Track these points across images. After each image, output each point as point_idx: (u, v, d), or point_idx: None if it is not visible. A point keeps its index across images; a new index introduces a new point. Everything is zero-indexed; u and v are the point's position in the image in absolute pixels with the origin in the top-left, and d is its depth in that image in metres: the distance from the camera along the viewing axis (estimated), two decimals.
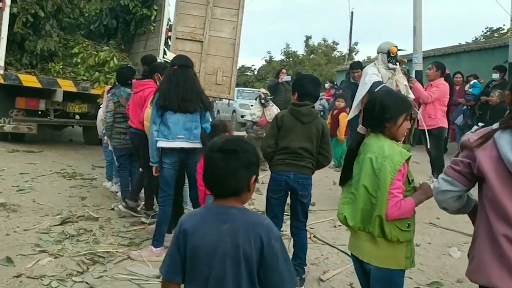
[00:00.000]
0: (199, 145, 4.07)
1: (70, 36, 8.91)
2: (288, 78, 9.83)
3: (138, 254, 4.04)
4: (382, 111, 2.36)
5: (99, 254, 4.05)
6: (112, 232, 4.63)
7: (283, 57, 36.42)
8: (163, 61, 8.00)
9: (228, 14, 8.59)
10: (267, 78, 28.81)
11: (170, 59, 7.09)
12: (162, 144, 3.99)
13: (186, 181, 4.41)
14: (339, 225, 4.96)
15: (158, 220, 4.13)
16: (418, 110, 6.69)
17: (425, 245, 4.58)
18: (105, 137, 6.24)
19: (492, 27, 29.49)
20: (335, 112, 8.46)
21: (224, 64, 8.61)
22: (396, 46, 5.69)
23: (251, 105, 12.00)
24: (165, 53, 8.62)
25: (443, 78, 6.50)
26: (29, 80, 7.66)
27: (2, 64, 7.39)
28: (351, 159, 2.47)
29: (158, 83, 4.96)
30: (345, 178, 2.49)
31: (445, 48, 14.26)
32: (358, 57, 32.04)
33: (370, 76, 5.59)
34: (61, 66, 8.15)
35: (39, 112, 8.40)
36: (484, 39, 28.36)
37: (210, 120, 4.25)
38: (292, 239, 3.89)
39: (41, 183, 6.34)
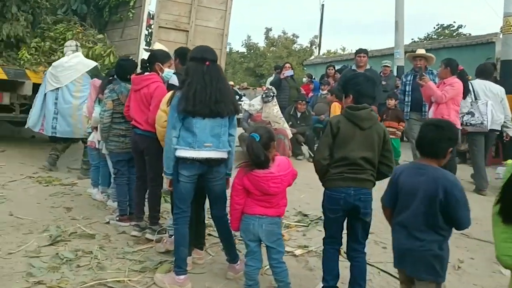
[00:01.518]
0: (226, 155, 3.46)
1: (62, 19, 7.98)
2: (291, 73, 9.26)
3: (161, 279, 3.42)
4: None
5: (110, 285, 3.37)
6: (116, 254, 3.94)
7: (244, 49, 35.80)
8: (144, 52, 7.27)
9: (215, 2, 7.89)
10: (226, 70, 28.09)
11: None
12: (185, 153, 3.34)
13: None
14: (379, 241, 4.50)
15: (175, 242, 3.48)
16: (429, 110, 6.34)
17: (469, 261, 4.19)
18: (90, 138, 5.48)
19: (443, 24, 30.26)
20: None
21: None
22: None
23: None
24: (148, 43, 7.86)
25: (455, 76, 6.15)
26: None
27: None
28: None
29: (161, 74, 4.34)
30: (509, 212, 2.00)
31: (423, 43, 14.15)
32: (320, 51, 31.91)
33: None
34: (30, 54, 7.16)
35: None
36: (436, 36, 29.18)
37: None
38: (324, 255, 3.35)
39: (14, 190, 5.49)
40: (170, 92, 3.72)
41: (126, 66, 4.76)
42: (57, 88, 6.53)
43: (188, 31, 7.79)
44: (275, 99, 7.61)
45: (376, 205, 3.07)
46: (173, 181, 3.43)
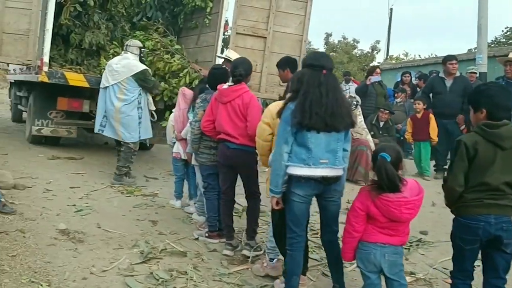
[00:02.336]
0: (341, 172, 3.15)
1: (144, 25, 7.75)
2: (378, 78, 8.81)
3: None
4: None
5: None
6: (211, 275, 3.71)
7: None
8: (221, 59, 7.06)
9: (294, 7, 7.60)
10: None
11: (232, 57, 6.22)
12: (299, 171, 3.05)
13: None
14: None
15: (288, 270, 3.19)
16: None
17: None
18: (175, 149, 5.32)
19: None
20: (418, 115, 7.65)
21: None
22: None
23: None
24: (222, 51, 7.67)
25: None
26: (75, 78, 6.70)
27: (47, 60, 6.43)
28: None
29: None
30: None
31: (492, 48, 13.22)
32: (380, 56, 31.10)
33: None
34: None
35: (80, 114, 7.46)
36: (504, 40, 27.53)
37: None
38: None
39: (97, 200, 5.41)
40: (278, 103, 3.46)
41: (217, 74, 4.54)
42: (107, 87, 6.23)
43: (265, 37, 7.56)
44: (359, 108, 7.19)
45: None
46: (286, 202, 3.15)
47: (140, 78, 6.16)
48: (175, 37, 7.98)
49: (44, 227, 4.35)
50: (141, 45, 6.52)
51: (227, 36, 7.94)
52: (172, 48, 7.38)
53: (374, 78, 8.73)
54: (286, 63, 4.88)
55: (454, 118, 7.74)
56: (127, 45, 6.35)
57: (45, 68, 6.45)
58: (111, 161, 7.51)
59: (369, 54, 33.47)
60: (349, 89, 11.02)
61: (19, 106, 10.00)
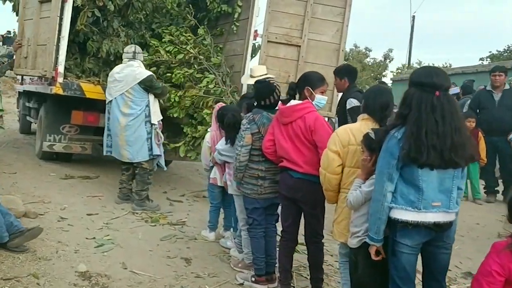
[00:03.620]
0: (454, 217, 2.52)
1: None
2: (457, 90, 8.00)
3: None
4: None
5: None
6: None
7: None
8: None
9: (331, 13, 6.94)
10: None
11: (257, 74, 5.61)
12: (407, 215, 2.48)
13: None
14: None
15: None
16: None
17: None
18: (212, 174, 4.65)
19: None
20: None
21: (325, 74, 6.83)
22: None
23: None
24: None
25: None
26: (93, 90, 6.05)
27: (62, 70, 5.78)
28: None
29: (312, 102, 3.45)
30: None
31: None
32: (393, 65, 30.52)
33: None
34: None
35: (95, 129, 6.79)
36: None
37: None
38: None
39: (119, 231, 4.73)
40: (347, 128, 2.90)
41: (261, 90, 3.86)
42: (110, 101, 5.56)
43: (300, 46, 6.88)
44: None
45: None
46: (390, 254, 2.51)
47: (147, 86, 5.50)
48: (211, 39, 7.08)
49: (61, 270, 3.67)
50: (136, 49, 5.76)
51: (256, 44, 7.26)
52: (208, 62, 6.62)
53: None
54: (345, 72, 4.27)
55: (504, 134, 7.06)
56: (134, 52, 5.63)
57: (60, 79, 5.80)
58: None
59: (381, 63, 32.91)
60: None
61: (27, 118, 9.36)
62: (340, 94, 5.61)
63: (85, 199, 5.69)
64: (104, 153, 5.85)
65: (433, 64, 32.23)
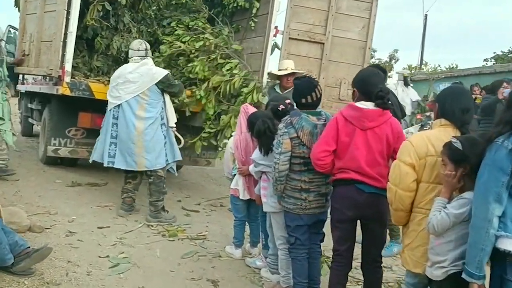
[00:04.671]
0: None
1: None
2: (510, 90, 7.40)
3: None
4: None
5: None
6: None
7: None
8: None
9: (357, 9, 6.47)
10: None
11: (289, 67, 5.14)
12: None
13: None
14: None
15: None
16: None
17: None
18: (233, 185, 4.17)
19: None
20: None
21: (350, 74, 6.33)
22: None
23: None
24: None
25: None
26: (102, 91, 5.52)
27: (69, 69, 5.29)
28: None
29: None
30: None
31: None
32: (398, 65, 30.09)
33: None
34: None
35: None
36: None
37: None
38: None
39: (135, 248, 4.24)
40: (423, 134, 2.45)
41: (301, 86, 3.38)
42: (118, 105, 4.99)
43: (323, 43, 6.43)
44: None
45: None
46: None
47: (165, 86, 5.04)
48: (230, 31, 6.58)
49: None
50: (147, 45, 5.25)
51: (274, 42, 6.77)
52: (230, 49, 6.10)
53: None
54: None
55: None
56: (146, 49, 5.12)
57: (67, 79, 5.31)
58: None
59: (387, 64, 32.45)
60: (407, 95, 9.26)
61: (30, 119, 8.88)
62: None
63: (94, 209, 5.21)
64: (106, 164, 5.13)
65: (439, 65, 31.90)
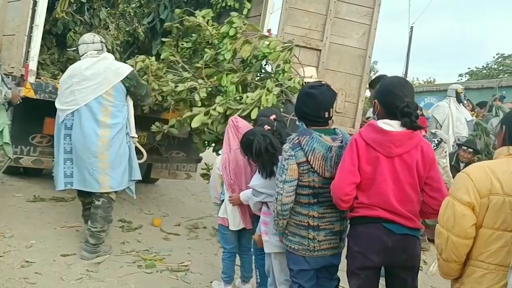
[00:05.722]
0: None
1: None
2: None
3: None
4: None
5: None
6: None
7: None
8: None
9: (357, 14, 5.95)
10: None
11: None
12: None
13: None
14: None
15: None
16: None
17: None
18: (221, 213, 3.54)
19: (504, 54, 27.93)
20: None
21: (348, 84, 5.95)
22: None
23: None
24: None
25: None
26: None
27: (34, 68, 4.59)
28: None
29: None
30: None
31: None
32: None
33: None
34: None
35: None
36: (496, 66, 26.95)
37: None
38: None
39: (105, 283, 3.57)
40: (485, 165, 1.99)
41: (322, 96, 2.71)
42: (72, 113, 4.08)
43: (320, 50, 5.88)
44: (444, 148, 5.47)
45: None
46: None
47: (131, 84, 4.15)
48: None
49: None
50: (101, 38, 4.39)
51: None
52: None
53: None
54: None
55: None
56: (101, 41, 4.26)
57: (31, 79, 4.61)
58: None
59: (371, 76, 32.55)
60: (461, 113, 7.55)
61: None
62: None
63: (58, 231, 4.51)
64: (62, 187, 4.15)
65: (417, 78, 31.99)
